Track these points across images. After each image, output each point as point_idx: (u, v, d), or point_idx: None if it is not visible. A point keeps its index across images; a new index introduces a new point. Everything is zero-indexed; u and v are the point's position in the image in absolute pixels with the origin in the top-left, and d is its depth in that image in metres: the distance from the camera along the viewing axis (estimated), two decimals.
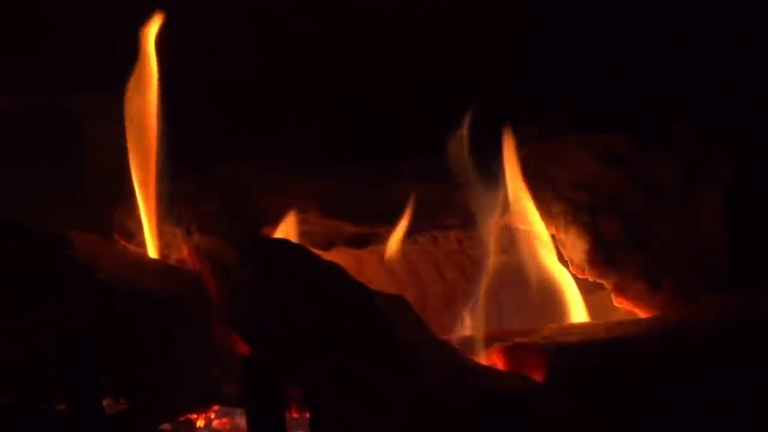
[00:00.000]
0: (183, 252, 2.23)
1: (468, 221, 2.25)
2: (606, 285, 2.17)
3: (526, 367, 1.90)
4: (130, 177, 2.28)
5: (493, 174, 2.17)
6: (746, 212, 2.16)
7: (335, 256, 2.22)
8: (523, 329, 2.05)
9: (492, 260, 2.15)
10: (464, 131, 2.19)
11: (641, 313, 2.14)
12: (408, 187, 2.28)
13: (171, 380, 2.05)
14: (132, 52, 2.29)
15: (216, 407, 2.13)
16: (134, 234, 2.33)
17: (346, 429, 1.87)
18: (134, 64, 2.27)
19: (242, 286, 2.04)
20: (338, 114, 2.45)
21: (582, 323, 2.14)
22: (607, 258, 2.16)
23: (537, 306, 2.23)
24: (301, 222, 2.28)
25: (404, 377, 1.84)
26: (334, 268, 1.99)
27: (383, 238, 2.28)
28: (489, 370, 1.90)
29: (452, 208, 2.26)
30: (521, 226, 2.23)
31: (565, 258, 2.20)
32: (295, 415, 1.97)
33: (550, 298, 2.20)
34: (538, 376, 1.87)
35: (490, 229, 2.19)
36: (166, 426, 2.07)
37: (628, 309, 2.17)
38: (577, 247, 2.18)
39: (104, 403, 1.99)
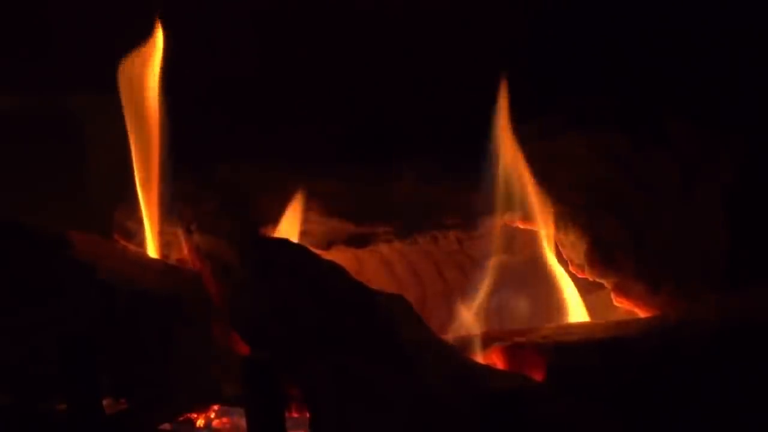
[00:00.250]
0: (183, 252, 2.24)
1: (468, 221, 2.25)
2: (606, 285, 2.17)
3: (525, 367, 1.90)
4: (132, 175, 2.28)
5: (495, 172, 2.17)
6: (746, 212, 2.16)
7: (335, 255, 2.22)
8: (523, 329, 2.05)
9: (493, 259, 2.15)
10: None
11: (641, 313, 2.14)
12: (408, 187, 2.28)
13: (171, 380, 2.05)
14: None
15: (216, 407, 2.14)
16: (134, 234, 2.33)
17: (346, 429, 1.87)
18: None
19: (242, 286, 2.04)
20: (338, 114, 2.45)
21: (581, 323, 2.15)
22: (606, 258, 2.16)
23: (537, 305, 2.24)
24: (301, 222, 2.28)
25: (404, 377, 1.84)
26: (334, 267, 1.99)
27: (381, 238, 2.29)
28: (489, 370, 1.90)
29: (452, 208, 2.26)
30: (522, 226, 2.23)
31: (565, 258, 2.20)
32: (295, 415, 1.97)
33: (549, 297, 2.20)
34: (537, 376, 1.87)
35: (491, 229, 2.19)
36: (166, 426, 2.07)
37: (628, 309, 2.17)
38: (577, 246, 2.17)
39: (104, 403, 1.99)
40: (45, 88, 2.64)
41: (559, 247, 2.20)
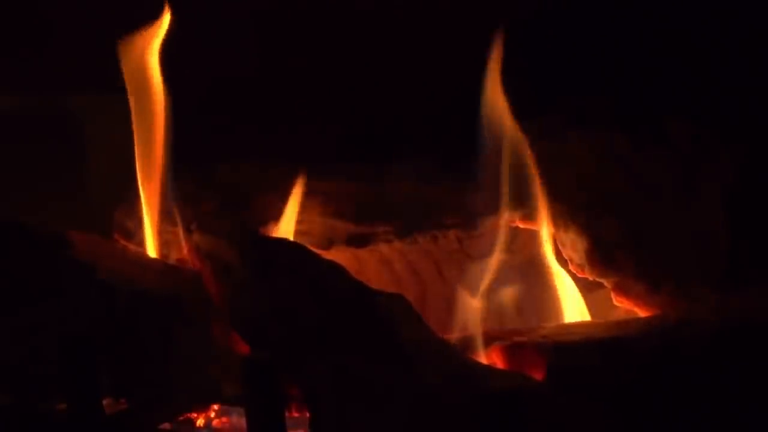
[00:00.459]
0: (183, 252, 2.24)
1: (468, 220, 2.25)
2: (606, 284, 2.17)
3: (525, 366, 1.90)
4: (133, 173, 2.28)
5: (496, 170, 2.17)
6: (746, 212, 2.16)
7: (335, 255, 2.22)
8: (523, 328, 2.05)
9: (494, 259, 2.15)
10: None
11: (641, 313, 2.13)
12: (408, 187, 2.28)
13: (171, 380, 2.05)
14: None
15: (216, 407, 2.14)
16: (134, 233, 2.33)
17: (346, 429, 1.87)
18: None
19: (242, 286, 2.04)
20: (338, 114, 2.45)
21: (581, 322, 2.15)
22: (606, 257, 2.15)
23: (537, 305, 2.24)
24: (301, 222, 2.28)
25: (404, 376, 1.84)
26: (334, 267, 1.99)
27: (381, 238, 2.29)
28: (489, 369, 1.90)
29: (452, 208, 2.26)
30: (522, 225, 2.23)
31: (565, 257, 2.20)
32: (295, 415, 1.97)
33: (549, 297, 2.20)
34: (537, 375, 1.87)
35: (492, 228, 2.19)
36: (166, 426, 2.07)
37: (628, 308, 2.17)
38: (577, 246, 2.18)
39: (104, 403, 1.99)
40: (45, 88, 2.65)
41: (559, 247, 2.21)
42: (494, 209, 2.18)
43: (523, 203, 2.20)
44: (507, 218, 2.20)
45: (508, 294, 2.23)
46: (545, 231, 2.20)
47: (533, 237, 2.24)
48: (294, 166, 2.33)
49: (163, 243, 2.30)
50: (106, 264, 2.13)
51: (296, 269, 2.00)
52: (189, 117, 2.31)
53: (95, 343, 1.94)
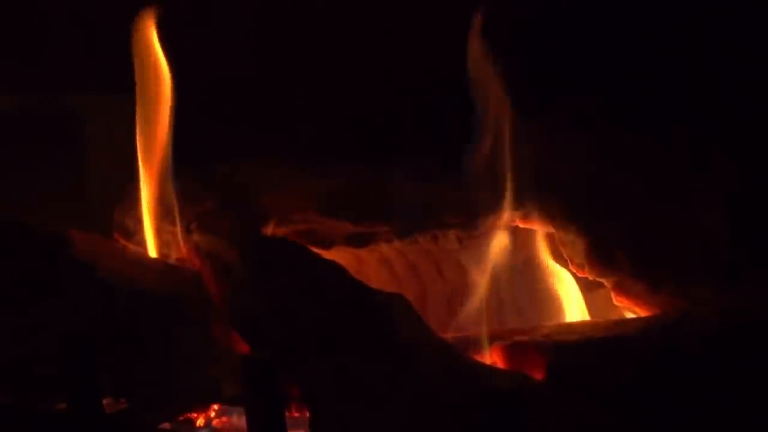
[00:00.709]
0: (183, 251, 2.24)
1: (468, 220, 2.25)
2: (606, 284, 2.17)
3: (526, 366, 1.90)
4: (134, 172, 2.28)
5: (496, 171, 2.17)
6: (746, 212, 2.16)
7: (335, 255, 2.22)
8: (523, 327, 2.05)
9: (493, 258, 2.15)
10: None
11: (641, 312, 2.14)
12: (408, 187, 2.28)
13: (171, 380, 2.05)
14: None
15: (216, 407, 2.13)
16: (134, 233, 2.33)
17: (346, 429, 1.87)
18: None
19: (242, 285, 2.04)
20: (338, 114, 2.45)
21: (582, 321, 2.15)
22: (606, 257, 2.15)
23: (537, 304, 2.24)
24: (301, 222, 2.28)
25: (404, 376, 1.84)
26: (334, 267, 2.00)
27: (381, 237, 2.29)
28: (489, 369, 1.90)
29: (452, 207, 2.26)
30: (522, 225, 2.23)
31: (565, 256, 2.20)
32: (296, 415, 1.97)
33: (549, 296, 2.20)
34: (538, 375, 1.87)
35: (492, 228, 2.19)
36: (166, 425, 2.07)
37: (628, 308, 2.17)
38: (577, 245, 2.18)
39: (104, 403, 1.99)
40: (45, 88, 2.65)
41: (559, 246, 2.21)
42: (494, 209, 2.18)
43: (523, 203, 2.20)
44: (507, 218, 2.20)
45: (508, 294, 2.23)
46: (544, 231, 2.20)
47: (533, 237, 2.25)
48: (294, 165, 2.33)
49: (163, 243, 2.30)
50: (106, 264, 2.13)
51: (296, 269, 2.00)
52: (189, 117, 2.31)
53: (95, 343, 1.94)
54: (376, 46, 2.42)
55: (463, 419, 1.78)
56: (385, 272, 2.33)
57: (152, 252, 2.29)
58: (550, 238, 2.23)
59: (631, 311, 2.16)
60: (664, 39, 2.31)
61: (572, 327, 2.04)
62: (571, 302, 2.20)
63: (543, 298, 2.24)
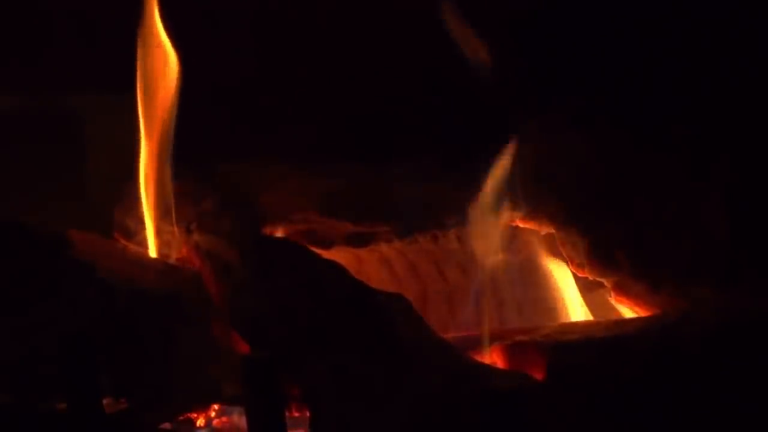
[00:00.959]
0: (183, 251, 2.24)
1: (468, 220, 2.25)
2: (606, 284, 2.17)
3: (526, 366, 1.90)
4: (134, 171, 2.28)
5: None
6: (746, 211, 2.16)
7: (335, 255, 2.22)
8: (523, 327, 2.05)
9: (493, 258, 2.15)
10: None
11: (641, 312, 2.14)
12: (408, 187, 2.29)
13: (171, 380, 2.05)
14: (132, 52, 2.29)
15: (216, 407, 2.13)
16: (134, 233, 2.33)
17: (346, 429, 1.87)
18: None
19: (242, 285, 2.04)
20: (338, 113, 2.45)
21: (582, 321, 2.15)
22: (606, 257, 2.16)
23: (537, 304, 2.24)
24: (301, 222, 2.28)
25: (404, 376, 1.84)
26: (334, 266, 2.00)
27: (381, 237, 2.29)
28: (489, 369, 1.90)
29: (452, 207, 2.27)
30: (522, 225, 2.23)
31: (565, 256, 2.20)
32: (296, 415, 1.97)
33: (550, 296, 2.21)
34: (538, 375, 1.87)
35: (492, 227, 2.19)
36: (166, 425, 2.07)
37: (628, 308, 2.17)
38: (577, 245, 2.18)
39: (104, 403, 1.99)
40: (45, 88, 2.65)
41: (559, 246, 2.21)
42: (494, 209, 2.18)
43: (523, 203, 2.20)
44: (507, 218, 2.20)
45: (508, 293, 2.23)
46: (544, 231, 2.20)
47: (533, 237, 2.25)
48: (294, 165, 2.34)
49: (163, 243, 2.30)
50: (106, 264, 2.13)
51: (296, 269, 2.00)
52: (189, 116, 2.31)
53: (95, 343, 1.93)
54: (376, 47, 2.42)
55: (463, 419, 1.78)
56: (385, 272, 2.33)
57: (152, 252, 2.29)
58: (550, 238, 2.23)
59: (631, 311, 2.16)
60: (663, 39, 2.31)
61: (572, 327, 2.04)
62: (571, 302, 2.20)
63: (543, 298, 2.24)
